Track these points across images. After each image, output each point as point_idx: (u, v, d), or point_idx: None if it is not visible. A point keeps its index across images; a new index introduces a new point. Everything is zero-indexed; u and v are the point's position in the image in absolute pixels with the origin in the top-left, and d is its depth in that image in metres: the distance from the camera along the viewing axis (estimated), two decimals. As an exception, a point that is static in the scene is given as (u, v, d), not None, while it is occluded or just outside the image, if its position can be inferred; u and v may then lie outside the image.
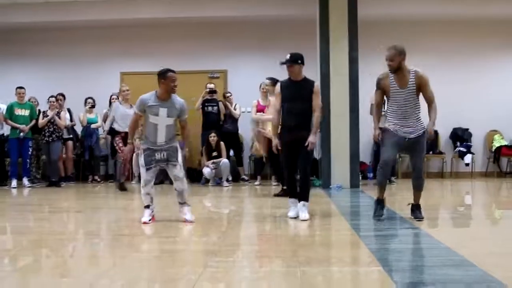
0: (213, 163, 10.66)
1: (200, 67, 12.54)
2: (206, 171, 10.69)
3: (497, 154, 12.30)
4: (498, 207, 8.03)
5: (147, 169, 5.87)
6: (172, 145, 5.94)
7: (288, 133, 6.10)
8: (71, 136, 11.46)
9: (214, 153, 10.74)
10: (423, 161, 6.05)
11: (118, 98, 10.55)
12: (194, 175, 11.82)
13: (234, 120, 11.34)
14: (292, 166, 6.19)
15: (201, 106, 11.30)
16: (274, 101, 6.43)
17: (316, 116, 6.09)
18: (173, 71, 6.03)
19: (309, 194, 6.18)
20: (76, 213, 7.48)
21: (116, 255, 4.67)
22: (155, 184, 6.03)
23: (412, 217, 5.94)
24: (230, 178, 11.18)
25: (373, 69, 11.17)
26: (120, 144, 9.61)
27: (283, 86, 6.18)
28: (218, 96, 11.57)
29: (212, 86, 11.46)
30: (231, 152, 11.44)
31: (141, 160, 5.93)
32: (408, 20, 11.96)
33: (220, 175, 10.74)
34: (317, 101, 6.12)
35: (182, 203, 6.01)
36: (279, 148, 6.17)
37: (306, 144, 5.92)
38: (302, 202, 6.11)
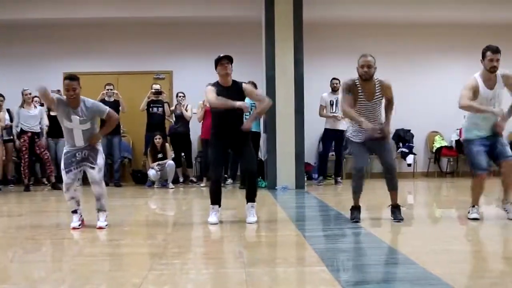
0: (158, 164, 10.57)
1: (145, 68, 12.44)
2: (152, 173, 10.59)
3: (438, 154, 12.66)
4: (438, 206, 8.24)
5: (67, 172, 5.66)
6: (94, 147, 5.76)
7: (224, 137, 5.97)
8: (11, 137, 11.10)
9: (160, 155, 10.64)
10: (393, 159, 6.04)
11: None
12: (139, 177, 11.72)
13: (185, 121, 11.20)
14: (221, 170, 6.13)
15: (146, 107, 11.17)
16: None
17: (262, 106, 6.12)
18: (70, 78, 5.59)
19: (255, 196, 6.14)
20: (17, 216, 7.28)
21: (59, 259, 4.57)
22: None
23: (392, 218, 5.93)
24: (181, 180, 11.14)
25: (318, 71, 11.47)
26: (24, 148, 10.31)
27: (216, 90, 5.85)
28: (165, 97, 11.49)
29: (157, 87, 11.35)
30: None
31: (62, 163, 5.72)
32: (352, 22, 12.17)
33: (165, 177, 10.66)
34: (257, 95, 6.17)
35: (100, 210, 5.82)
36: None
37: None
38: (250, 204, 6.07)
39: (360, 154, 5.93)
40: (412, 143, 12.67)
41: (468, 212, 6.07)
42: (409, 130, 12.73)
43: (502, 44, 5.91)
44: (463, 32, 12.42)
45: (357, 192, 6.00)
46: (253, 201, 6.07)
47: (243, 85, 6.04)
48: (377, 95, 5.75)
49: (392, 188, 5.95)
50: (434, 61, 12.70)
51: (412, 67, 12.64)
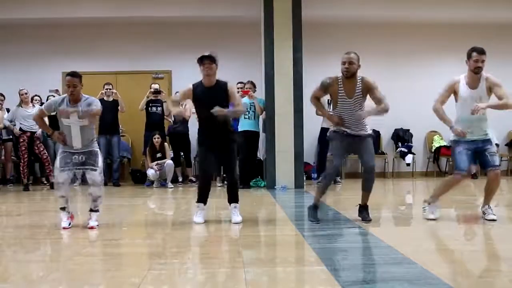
0: (157, 164, 10.56)
1: (144, 67, 12.43)
2: (151, 172, 10.58)
3: (437, 154, 12.65)
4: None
5: (61, 171, 5.66)
6: (91, 150, 5.72)
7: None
8: (10, 137, 11.07)
9: (159, 155, 10.63)
10: (373, 160, 5.92)
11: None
12: (138, 177, 11.71)
13: (184, 121, 11.19)
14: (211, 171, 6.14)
15: (145, 107, 11.16)
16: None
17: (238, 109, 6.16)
18: (72, 74, 5.61)
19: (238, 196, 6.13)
20: (16, 216, 7.27)
21: (57, 259, 4.57)
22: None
23: (360, 218, 5.93)
24: (180, 179, 11.13)
25: (318, 70, 11.44)
26: (24, 147, 10.27)
27: (197, 91, 5.90)
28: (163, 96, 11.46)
29: (156, 86, 11.34)
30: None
31: (57, 162, 5.72)
32: (352, 22, 12.16)
33: (164, 176, 10.65)
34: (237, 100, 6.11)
35: (94, 210, 5.79)
36: None
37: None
38: (233, 204, 6.06)
39: (338, 154, 5.85)
40: (411, 143, 12.66)
41: (423, 208, 6.15)
42: (408, 130, 12.73)
43: (501, 44, 5.92)
44: (462, 32, 12.38)
45: (324, 191, 5.98)
46: (236, 201, 6.08)
47: (228, 85, 5.97)
48: (357, 92, 5.68)
49: (367, 189, 5.92)
50: (433, 61, 12.68)
51: (411, 67, 12.63)
